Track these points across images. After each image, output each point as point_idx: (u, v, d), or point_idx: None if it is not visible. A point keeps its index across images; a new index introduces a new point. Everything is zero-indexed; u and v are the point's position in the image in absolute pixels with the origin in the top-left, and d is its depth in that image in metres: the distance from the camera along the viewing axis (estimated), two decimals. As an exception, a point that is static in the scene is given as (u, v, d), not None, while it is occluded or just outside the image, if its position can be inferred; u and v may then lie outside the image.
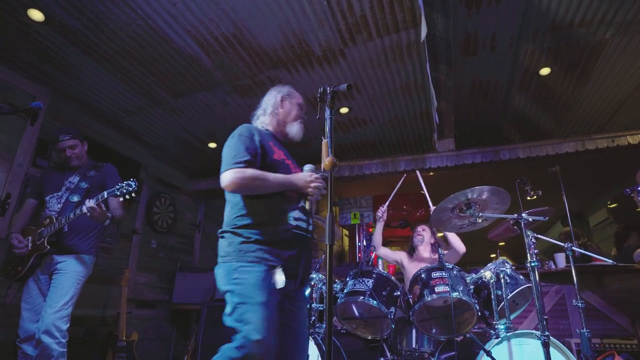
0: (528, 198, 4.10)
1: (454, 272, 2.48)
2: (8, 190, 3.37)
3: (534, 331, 2.09)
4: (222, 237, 1.68)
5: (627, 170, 4.38)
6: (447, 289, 2.34)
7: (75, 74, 3.66)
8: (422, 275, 2.51)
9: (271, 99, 2.05)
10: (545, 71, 3.81)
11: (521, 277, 2.57)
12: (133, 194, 2.55)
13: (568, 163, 4.54)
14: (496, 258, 2.78)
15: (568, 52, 3.53)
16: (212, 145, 4.97)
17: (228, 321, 1.53)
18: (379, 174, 4.67)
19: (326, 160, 1.38)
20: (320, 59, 3.56)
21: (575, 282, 2.48)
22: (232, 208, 1.70)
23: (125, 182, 2.54)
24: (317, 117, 1.58)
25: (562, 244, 2.58)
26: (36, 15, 2.93)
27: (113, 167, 2.95)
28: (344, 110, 4.38)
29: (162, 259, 4.39)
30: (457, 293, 2.34)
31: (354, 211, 5.77)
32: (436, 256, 3.00)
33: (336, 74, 3.77)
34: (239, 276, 1.54)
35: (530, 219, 2.24)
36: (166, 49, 3.35)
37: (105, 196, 2.52)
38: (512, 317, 2.73)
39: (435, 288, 2.39)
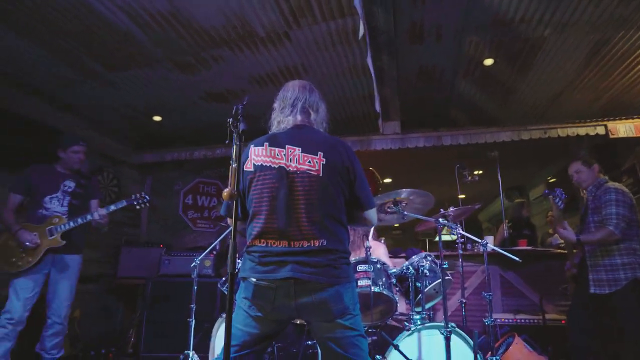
0: (466, 181, 4.35)
1: (378, 265, 2.64)
2: None
3: (440, 324, 2.29)
4: (345, 258, 1.66)
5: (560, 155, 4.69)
6: (369, 282, 2.49)
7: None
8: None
9: (324, 112, 1.89)
10: (488, 62, 3.89)
11: (439, 269, 2.76)
12: (144, 206, 3.28)
13: (509, 148, 4.77)
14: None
15: (510, 45, 3.61)
16: (157, 118, 4.80)
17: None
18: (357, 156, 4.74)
19: (225, 192, 1.40)
20: (265, 40, 3.45)
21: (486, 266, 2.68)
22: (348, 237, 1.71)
23: (140, 194, 3.27)
24: (227, 141, 1.56)
25: (479, 241, 2.78)
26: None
27: (97, 180, 3.69)
28: (291, 90, 4.32)
29: (106, 234, 4.34)
30: (378, 287, 2.51)
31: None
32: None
33: (282, 55, 3.68)
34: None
35: (446, 224, 2.39)
36: (96, 23, 3.12)
37: (123, 204, 3.17)
38: (431, 304, 2.98)
39: (359, 282, 2.54)
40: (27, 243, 2.87)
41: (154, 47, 3.46)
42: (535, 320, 3.64)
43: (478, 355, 2.24)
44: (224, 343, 1.34)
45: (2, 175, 3.76)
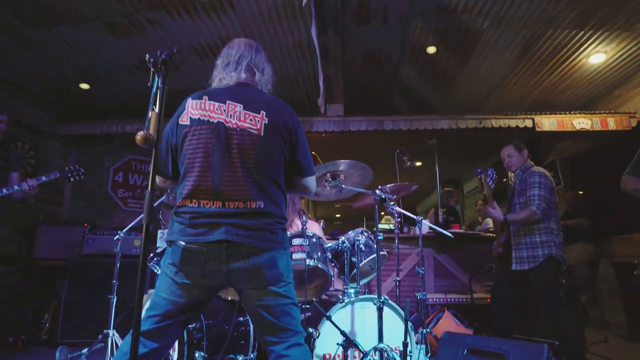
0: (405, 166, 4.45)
1: (314, 239, 2.60)
2: None
3: (373, 296, 2.30)
4: (281, 223, 1.56)
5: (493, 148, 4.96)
6: (304, 256, 2.45)
7: None
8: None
9: (269, 75, 1.77)
10: (431, 49, 4.00)
11: (375, 245, 2.79)
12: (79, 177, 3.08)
13: (448, 136, 4.96)
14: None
15: (452, 34, 3.73)
16: (85, 86, 4.40)
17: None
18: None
19: (138, 134, 1.27)
20: (207, 6, 3.27)
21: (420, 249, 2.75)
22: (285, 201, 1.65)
23: (75, 166, 3.08)
24: (149, 83, 1.42)
25: (415, 217, 2.84)
26: None
27: (18, 151, 3.66)
28: (233, 64, 4.16)
29: (19, 210, 3.91)
30: (313, 261, 2.47)
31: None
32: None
33: (224, 24, 3.53)
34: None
35: (383, 196, 2.41)
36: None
37: (56, 175, 3.01)
38: (366, 280, 3.01)
39: (293, 255, 2.49)
40: None
41: (82, 4, 3.14)
42: (464, 299, 3.83)
43: (409, 325, 2.28)
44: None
45: None
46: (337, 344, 2.11)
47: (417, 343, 2.48)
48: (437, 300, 3.88)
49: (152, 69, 1.38)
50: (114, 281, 2.67)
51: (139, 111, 4.93)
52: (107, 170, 5.31)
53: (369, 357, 2.10)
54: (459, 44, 3.86)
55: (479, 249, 4.18)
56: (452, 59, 4.13)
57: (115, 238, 2.75)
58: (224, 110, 1.52)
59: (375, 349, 2.09)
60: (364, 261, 2.66)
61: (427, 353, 2.54)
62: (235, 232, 1.42)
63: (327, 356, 2.22)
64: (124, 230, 2.75)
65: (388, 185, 2.84)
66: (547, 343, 2.19)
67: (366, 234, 2.79)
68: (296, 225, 3.03)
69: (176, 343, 2.42)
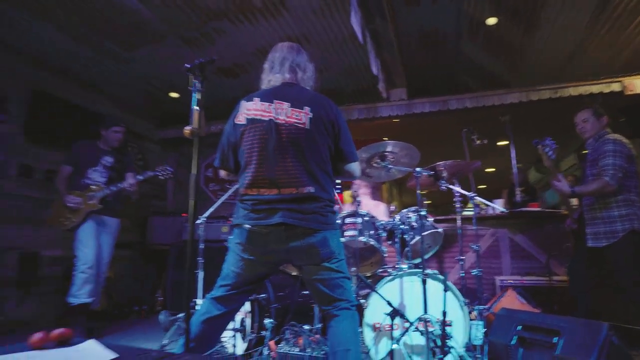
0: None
1: (366, 218, 2.75)
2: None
3: (418, 270, 2.38)
4: (330, 206, 1.77)
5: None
6: (354, 233, 2.63)
7: (20, 29, 3.70)
8: (337, 221, 2.78)
9: (312, 72, 1.97)
10: (491, 21, 3.81)
11: (428, 223, 2.84)
12: (169, 176, 3.59)
13: (521, 111, 4.65)
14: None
15: (510, 1, 3.51)
16: (174, 95, 5.09)
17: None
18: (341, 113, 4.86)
19: (185, 129, 1.59)
20: (263, 10, 3.57)
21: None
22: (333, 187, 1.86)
23: (164, 166, 3.60)
24: (189, 87, 1.73)
25: (467, 194, 2.82)
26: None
27: (132, 155, 4.21)
28: (296, 60, 4.43)
29: (136, 205, 4.75)
30: (365, 238, 2.64)
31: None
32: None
33: (281, 24, 3.80)
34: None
35: (424, 173, 2.46)
36: (107, 4, 3.37)
37: (149, 175, 3.58)
38: (425, 257, 3.06)
39: (346, 232, 2.68)
40: (70, 204, 3.39)
41: (160, 24, 3.68)
42: (542, 281, 3.62)
43: (460, 299, 2.35)
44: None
45: (51, 153, 4.32)
46: (385, 313, 2.25)
47: (472, 320, 2.50)
48: (512, 282, 3.73)
49: (190, 74, 1.70)
50: (199, 258, 3.14)
51: (220, 112, 5.52)
52: (200, 167, 6.06)
53: (414, 326, 2.21)
54: (521, 11, 3.61)
55: (563, 228, 3.89)
56: (517, 28, 3.87)
57: (197, 222, 3.22)
58: (273, 109, 1.74)
59: (420, 319, 2.19)
60: (416, 238, 2.74)
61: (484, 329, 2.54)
62: (291, 215, 1.65)
63: (377, 325, 2.38)
64: (204, 216, 3.22)
65: (441, 163, 2.84)
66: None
67: (415, 214, 2.85)
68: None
69: (250, 310, 2.80)
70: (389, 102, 4.58)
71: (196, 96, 1.66)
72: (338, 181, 2.76)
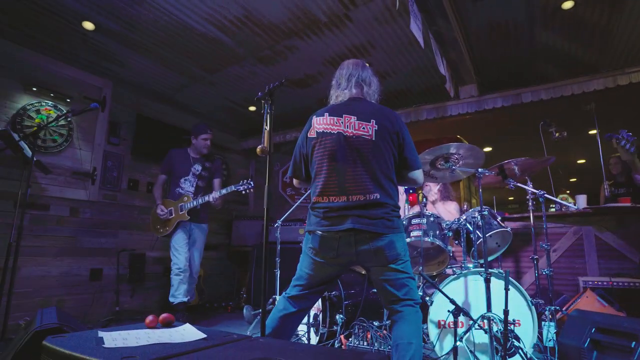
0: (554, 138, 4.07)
1: (431, 219, 2.82)
2: (94, 165, 4.38)
3: (481, 269, 2.40)
4: (396, 211, 1.90)
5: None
6: (419, 233, 2.71)
7: (127, 65, 4.40)
8: (404, 222, 2.89)
9: (376, 86, 2.13)
10: (568, 4, 3.57)
11: (495, 222, 2.81)
12: (250, 190, 3.74)
13: (610, 98, 4.26)
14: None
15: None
16: (252, 108, 5.57)
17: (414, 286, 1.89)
18: (405, 123, 4.88)
19: (258, 148, 1.84)
20: (328, 24, 3.79)
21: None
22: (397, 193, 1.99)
23: (247, 180, 3.75)
24: (262, 111, 1.99)
25: (537, 192, 2.73)
26: (88, 25, 3.64)
27: (219, 161, 4.27)
28: (364, 66, 4.58)
29: (221, 210, 5.29)
30: (429, 237, 2.71)
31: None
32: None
33: (347, 35, 3.97)
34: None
35: (486, 173, 2.46)
36: (192, 35, 3.86)
37: (232, 189, 3.75)
38: (494, 257, 3.02)
39: (412, 232, 2.78)
40: (160, 215, 3.81)
41: (237, 47, 4.10)
42: (634, 283, 3.32)
43: (525, 296, 2.32)
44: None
45: (152, 167, 5.02)
46: (448, 311, 2.32)
47: (543, 320, 2.44)
48: (599, 283, 3.47)
49: (262, 100, 1.96)
50: (277, 258, 3.45)
51: (295, 121, 5.89)
52: (277, 173, 6.50)
53: (477, 324, 2.24)
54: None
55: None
56: (599, 8, 3.58)
57: (275, 225, 3.55)
58: (342, 122, 1.93)
59: (482, 317, 2.22)
60: (480, 238, 2.73)
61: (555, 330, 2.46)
62: (359, 221, 1.81)
63: (441, 322, 2.44)
64: (281, 219, 3.53)
65: (510, 160, 2.80)
66: None
67: (485, 212, 2.83)
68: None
69: (323, 307, 3.02)
70: (458, 100, 4.51)
71: (267, 118, 1.91)
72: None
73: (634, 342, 1.91)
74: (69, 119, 4.14)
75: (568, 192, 8.46)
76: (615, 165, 4.59)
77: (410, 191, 3.67)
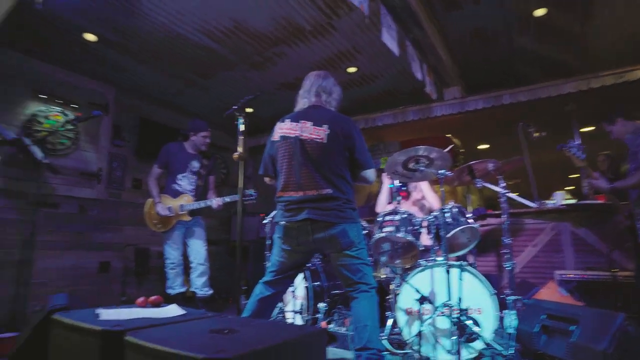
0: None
1: (405, 215, 3.05)
2: (99, 166, 4.70)
3: (444, 261, 2.61)
4: (348, 204, 2.14)
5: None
6: (392, 229, 2.94)
7: (128, 72, 4.69)
8: (379, 219, 3.12)
9: (337, 94, 2.38)
10: (540, 12, 3.76)
11: (463, 219, 3.02)
12: (253, 202, 3.75)
13: (589, 100, 4.43)
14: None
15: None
16: (249, 110, 5.82)
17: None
18: (391, 124, 5.10)
19: (234, 155, 2.11)
20: (314, 32, 4.01)
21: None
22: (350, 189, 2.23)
23: (250, 192, 3.77)
24: (235, 122, 2.25)
25: (499, 190, 2.95)
26: (90, 37, 3.92)
27: (215, 159, 4.34)
28: (351, 69, 4.80)
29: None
30: (401, 233, 2.94)
31: (383, 156, 6.28)
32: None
33: (332, 42, 4.20)
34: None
35: (447, 174, 2.68)
36: (186, 44, 4.12)
37: (236, 199, 3.49)
38: (463, 252, 3.24)
39: (385, 228, 3.01)
40: (161, 214, 3.80)
41: (229, 54, 4.35)
42: (605, 276, 3.51)
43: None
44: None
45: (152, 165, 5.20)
46: (414, 299, 2.56)
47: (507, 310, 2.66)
48: (572, 276, 3.67)
49: (236, 113, 2.21)
50: (266, 252, 3.72)
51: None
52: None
53: (438, 310, 2.49)
54: (571, -1, 3.52)
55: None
56: (571, 15, 3.76)
57: (264, 222, 3.81)
58: (299, 127, 2.20)
59: (444, 304, 2.46)
60: (450, 233, 2.95)
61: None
62: (314, 212, 2.09)
63: (409, 309, 2.68)
64: (269, 216, 3.79)
65: (476, 161, 3.00)
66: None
67: (456, 209, 3.05)
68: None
69: (306, 295, 3.29)
70: (442, 101, 4.72)
71: (240, 128, 2.17)
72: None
73: (573, 326, 2.15)
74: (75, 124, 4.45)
75: (568, 189, 8.60)
76: (602, 162, 4.77)
77: (403, 189, 3.90)
